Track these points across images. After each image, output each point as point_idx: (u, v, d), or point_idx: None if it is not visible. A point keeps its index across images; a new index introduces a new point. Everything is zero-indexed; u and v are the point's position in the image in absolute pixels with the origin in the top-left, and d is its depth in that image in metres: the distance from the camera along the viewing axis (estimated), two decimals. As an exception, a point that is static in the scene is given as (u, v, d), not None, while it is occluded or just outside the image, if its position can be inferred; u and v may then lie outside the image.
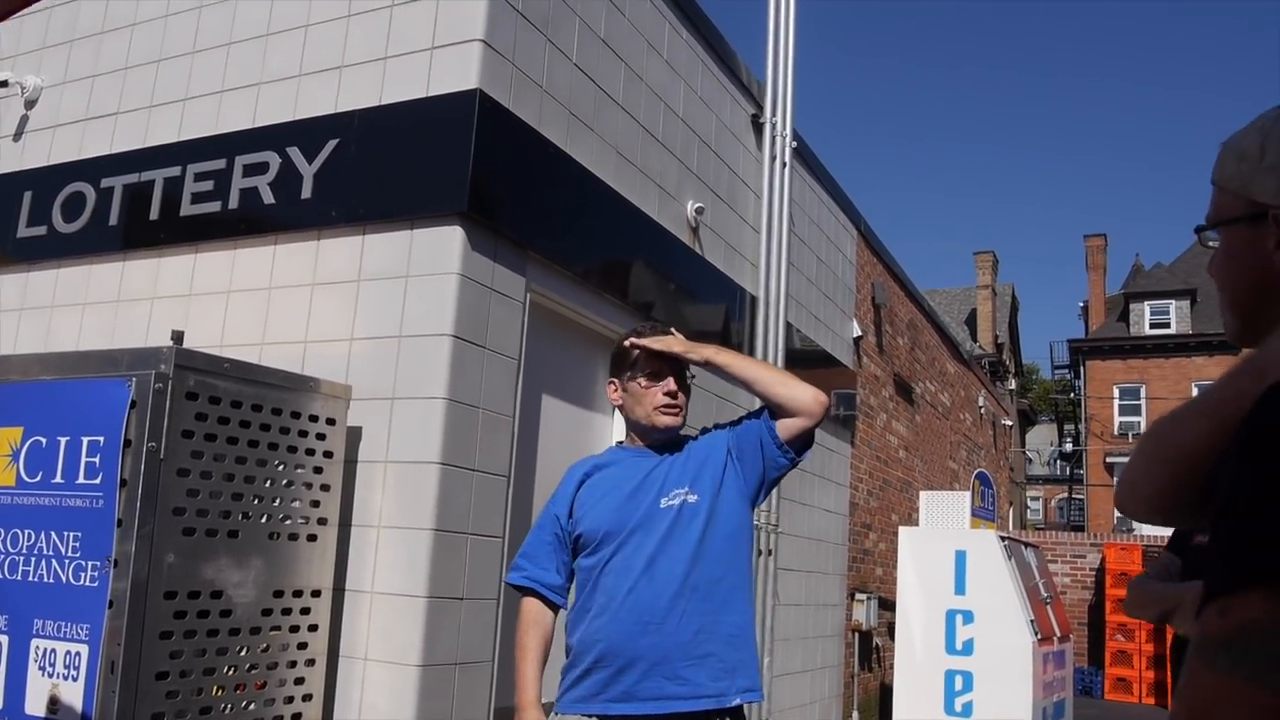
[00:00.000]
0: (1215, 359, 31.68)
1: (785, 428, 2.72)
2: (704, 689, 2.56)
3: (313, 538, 3.85)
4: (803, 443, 2.78)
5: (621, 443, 2.95)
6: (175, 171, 4.88)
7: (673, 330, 2.86)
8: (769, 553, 7.10)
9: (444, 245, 4.17)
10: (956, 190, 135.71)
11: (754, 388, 2.78)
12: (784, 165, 7.43)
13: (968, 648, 9.10)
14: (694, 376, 2.88)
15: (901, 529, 9.77)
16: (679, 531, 2.63)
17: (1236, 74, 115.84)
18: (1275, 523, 0.93)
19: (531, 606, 2.74)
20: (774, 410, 2.75)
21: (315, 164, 4.50)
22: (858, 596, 9.68)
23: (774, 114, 7.38)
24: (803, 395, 2.71)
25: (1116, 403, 35.31)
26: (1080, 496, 38.03)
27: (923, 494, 10.14)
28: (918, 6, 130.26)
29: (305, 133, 4.57)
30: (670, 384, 2.76)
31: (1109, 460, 35.04)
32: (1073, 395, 40.74)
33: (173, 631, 3.31)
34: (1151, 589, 3.10)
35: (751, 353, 6.97)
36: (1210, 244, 1.28)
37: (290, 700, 3.72)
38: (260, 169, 4.63)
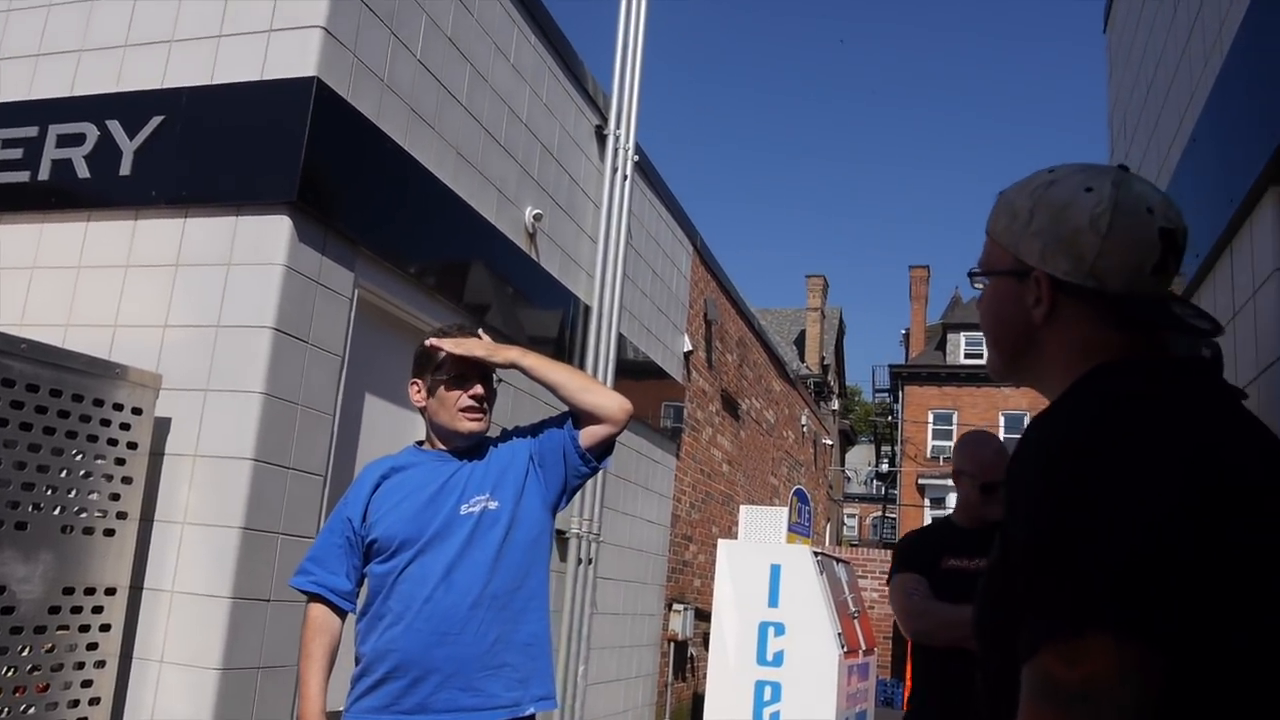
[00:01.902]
0: (1021, 390, 33.57)
1: (588, 435, 2.70)
2: (498, 699, 2.52)
3: (110, 532, 3.65)
4: (604, 450, 2.76)
5: (420, 443, 2.83)
6: (-21, 136, 4.57)
7: (480, 333, 2.79)
8: (589, 561, 7.13)
9: (270, 234, 4.04)
10: (792, 214, 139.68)
11: (559, 392, 2.72)
12: (625, 178, 7.50)
13: (778, 659, 9.34)
14: (500, 380, 2.83)
15: (720, 542, 9.96)
16: (479, 539, 2.58)
17: (1057, 118, 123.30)
18: (1096, 562, 0.99)
19: (318, 613, 2.64)
20: (578, 417, 2.72)
21: (137, 140, 4.30)
22: (675, 607, 9.82)
23: (618, 126, 7.45)
24: (607, 403, 2.70)
25: (931, 427, 37.04)
26: (894, 515, 39.62)
27: (743, 508, 10.37)
28: (759, 38, 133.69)
29: (128, 106, 4.36)
30: (476, 388, 2.69)
31: (920, 481, 36.69)
32: (891, 418, 42.42)
33: (-54, 628, 3.08)
34: (955, 613, 3.23)
35: (581, 362, 7.00)
36: (978, 286, 1.39)
37: (75, 704, 3.51)
38: (76, 140, 4.39)
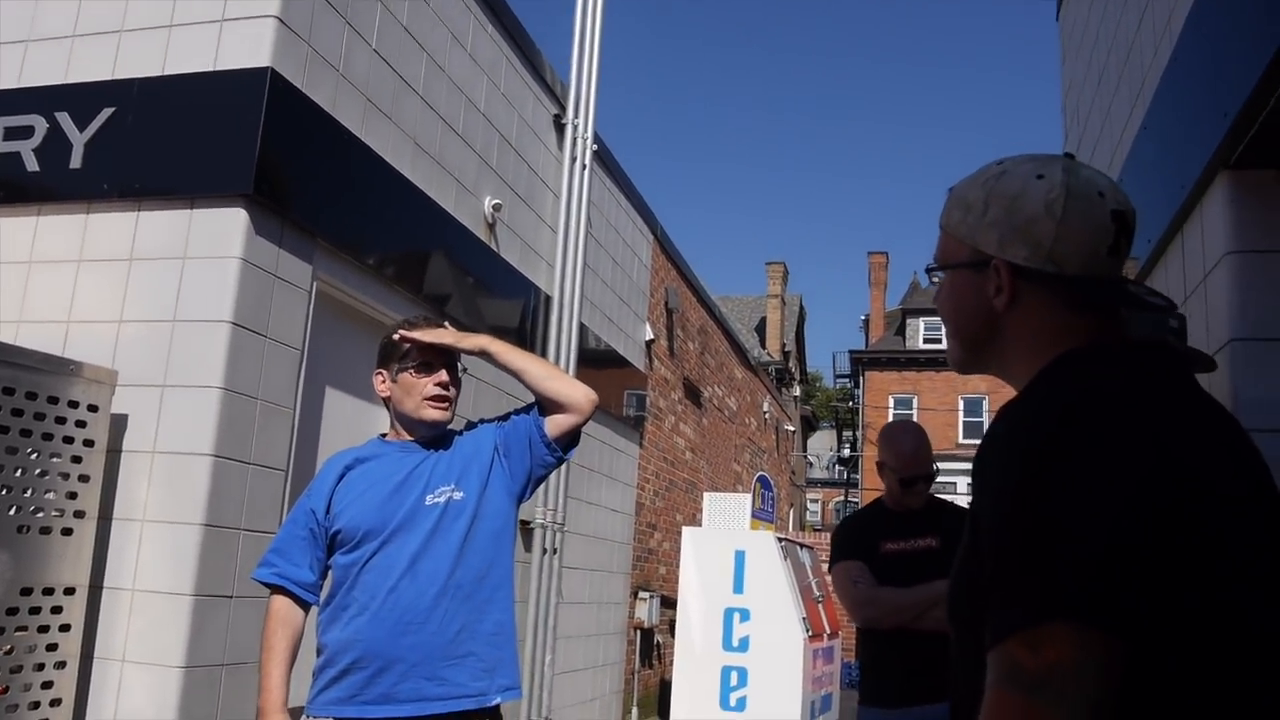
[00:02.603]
0: (970, 374, 33.95)
1: (554, 424, 2.71)
2: (464, 689, 2.53)
3: (68, 531, 3.60)
4: (570, 440, 2.77)
5: (385, 435, 2.82)
6: (-76, 130, 4.47)
7: (445, 323, 2.80)
8: (554, 551, 7.14)
9: (226, 227, 4.00)
10: (753, 203, 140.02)
11: (524, 379, 2.73)
12: (584, 167, 7.49)
13: (743, 644, 9.40)
14: (465, 370, 2.82)
15: (685, 529, 9.99)
16: (444, 529, 2.58)
17: (1012, 108, 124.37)
18: (1060, 551, 1.02)
19: (281, 605, 2.63)
20: (544, 406, 2.73)
21: (87, 132, 4.22)
22: (640, 595, 9.85)
23: (576, 115, 7.43)
24: (573, 392, 2.72)
25: (891, 412, 37.29)
26: (856, 500, 39.91)
27: (706, 495, 10.41)
28: (718, 28, 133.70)
29: (78, 98, 4.28)
30: (442, 375, 2.70)
31: (882, 466, 36.88)
32: (852, 404, 42.71)
33: (-101, 632, 3.03)
34: (901, 596, 3.32)
35: (544, 352, 6.99)
36: (935, 280, 1.41)
37: (36, 706, 3.47)
38: (24, 133, 4.30)
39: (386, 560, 2.55)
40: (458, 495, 2.62)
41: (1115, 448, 1.06)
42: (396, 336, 2.72)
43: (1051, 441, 1.07)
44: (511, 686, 2.62)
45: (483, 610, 2.59)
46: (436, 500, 2.60)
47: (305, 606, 2.65)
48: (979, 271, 1.29)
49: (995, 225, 1.27)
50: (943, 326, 1.42)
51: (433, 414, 2.68)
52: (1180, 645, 1.03)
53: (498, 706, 2.60)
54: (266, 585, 2.67)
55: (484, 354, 2.75)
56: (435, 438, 2.73)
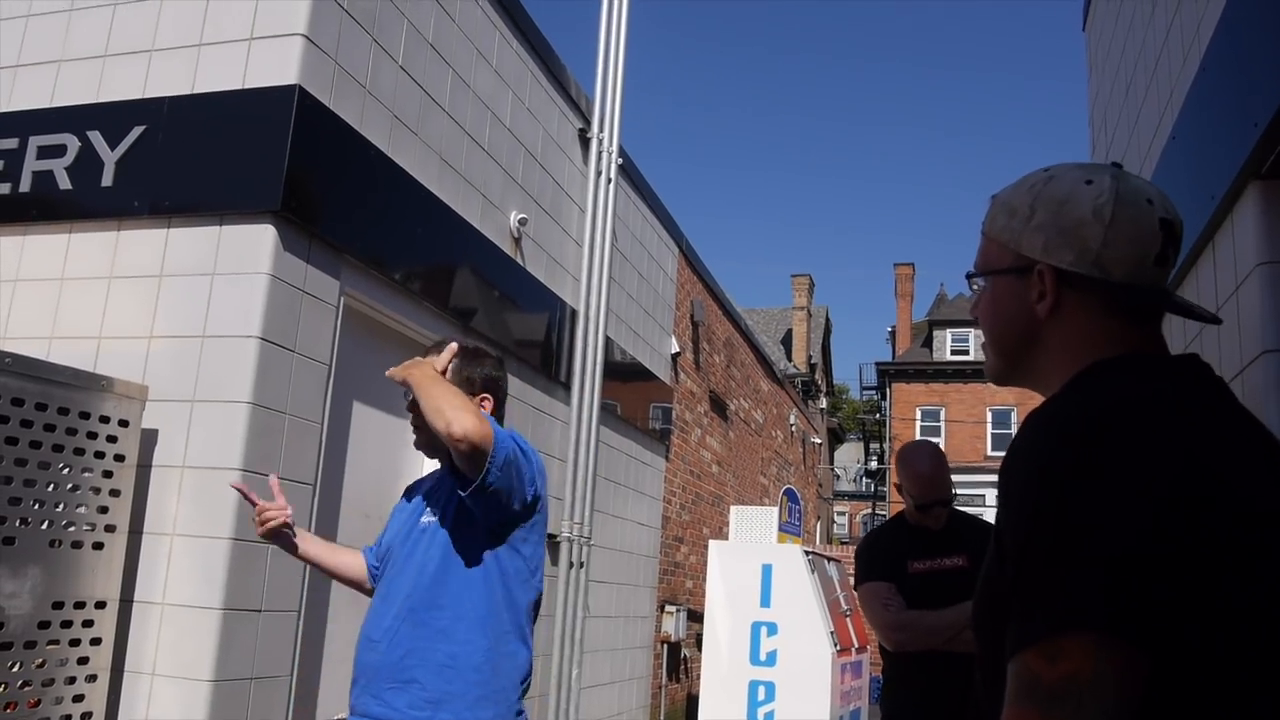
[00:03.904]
0: (1007, 386, 33.70)
1: (459, 459, 2.46)
2: (400, 715, 2.46)
3: (99, 546, 3.63)
4: (472, 470, 2.43)
5: None
6: (-40, 149, 4.54)
7: (452, 345, 2.76)
8: (580, 564, 7.13)
9: (254, 243, 4.03)
10: (778, 215, 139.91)
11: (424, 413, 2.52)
12: (609, 181, 7.50)
13: (771, 659, 9.35)
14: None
15: (712, 542, 9.96)
16: (416, 552, 2.62)
17: (1038, 115, 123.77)
18: (1081, 560, 1.00)
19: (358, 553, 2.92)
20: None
21: (119, 150, 4.28)
22: (667, 608, 9.83)
23: (601, 130, 7.45)
24: (440, 426, 2.39)
25: (918, 424, 37.09)
26: (884, 512, 39.69)
27: (733, 508, 10.38)
28: (743, 40, 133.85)
29: (109, 116, 4.34)
30: (412, 411, 2.71)
31: (909, 478, 36.60)
32: (879, 415, 42.50)
33: (-66, 645, 3.06)
34: (933, 619, 3.27)
35: (569, 366, 7.00)
36: (975, 288, 1.38)
37: (68, 718, 3.50)
38: (57, 151, 4.36)
39: (385, 577, 2.71)
40: (431, 519, 2.65)
41: (1143, 457, 1.03)
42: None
43: (1077, 450, 1.06)
44: None
45: (437, 639, 2.50)
46: (426, 521, 2.67)
47: (371, 579, 2.85)
48: (1022, 277, 1.27)
49: (1041, 229, 1.25)
50: (978, 337, 1.40)
51: (417, 444, 2.77)
52: (1207, 659, 1.00)
53: None
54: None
55: (405, 385, 2.60)
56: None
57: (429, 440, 2.64)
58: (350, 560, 2.90)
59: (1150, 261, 1.22)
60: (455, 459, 2.46)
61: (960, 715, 2.98)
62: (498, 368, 2.83)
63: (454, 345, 2.75)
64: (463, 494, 2.47)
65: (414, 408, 2.64)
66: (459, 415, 2.37)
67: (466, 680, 2.48)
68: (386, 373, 2.71)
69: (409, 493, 2.87)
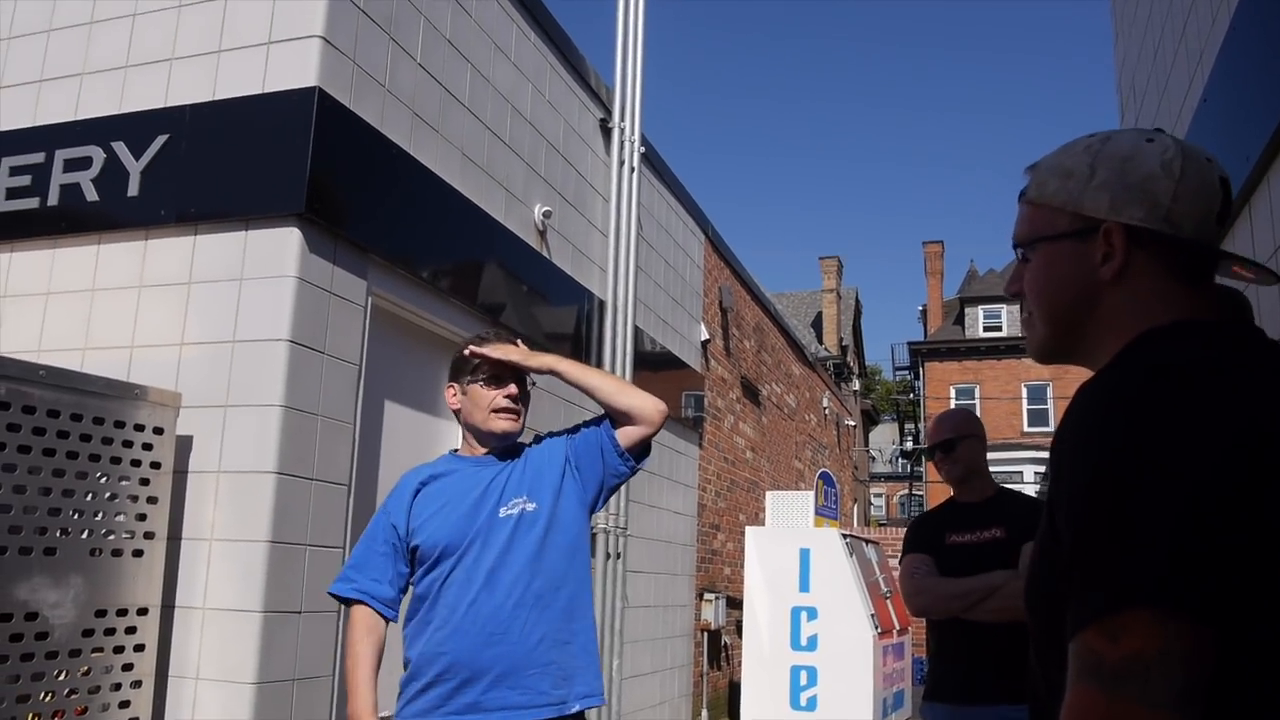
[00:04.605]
0: (1052, 364, 33.40)
1: (625, 435, 2.76)
2: (546, 697, 2.56)
3: (139, 553, 3.66)
4: (642, 450, 2.82)
5: (456, 450, 2.89)
6: (-12, 165, 4.58)
7: (517, 341, 2.87)
8: (617, 556, 7.13)
9: (280, 247, 4.04)
10: (804, 197, 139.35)
11: (595, 396, 2.79)
12: (632, 170, 7.47)
13: (812, 643, 9.32)
14: (534, 384, 2.88)
15: (748, 529, 9.94)
16: (518, 541, 2.62)
17: (1065, 94, 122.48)
18: (1141, 534, 0.96)
19: (364, 614, 2.66)
20: (615, 419, 2.78)
21: (143, 160, 4.30)
22: (706, 596, 9.82)
23: (622, 119, 7.42)
24: (643, 404, 2.75)
25: (953, 403, 36.82)
26: (920, 493, 39.53)
27: (769, 494, 10.35)
28: (763, 23, 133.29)
29: (132, 127, 4.36)
30: (511, 388, 2.76)
31: (946, 458, 36.37)
32: (913, 395, 42.26)
33: (-19, 657, 3.10)
34: (952, 585, 3.32)
35: (599, 357, 6.99)
36: (1024, 258, 1.32)
37: (114, 724, 3.53)
38: (83, 164, 4.40)
39: (465, 574, 2.61)
40: (530, 506, 2.66)
41: (1203, 424, 0.99)
42: (467, 352, 2.79)
43: (1131, 419, 1.02)
44: (591, 694, 2.66)
45: (561, 619, 2.62)
46: (510, 512, 2.65)
47: (385, 620, 2.68)
48: (1084, 240, 1.23)
49: (1106, 187, 1.21)
50: (1012, 312, 1.35)
51: (501, 425, 2.74)
52: (1277, 634, 0.96)
53: (581, 713, 2.63)
54: (345, 600, 2.71)
55: (553, 373, 2.81)
56: (507, 450, 2.80)
57: (519, 422, 2.79)
58: (380, 646, 2.69)
59: (1213, 219, 1.20)
60: (628, 434, 2.75)
61: (1009, 694, 2.97)
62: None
63: (518, 343, 2.86)
64: (635, 465, 2.80)
65: (520, 391, 2.79)
66: (650, 397, 2.78)
67: (588, 652, 2.69)
68: (514, 358, 2.75)
69: (433, 495, 2.72)
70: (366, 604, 2.66)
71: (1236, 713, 0.96)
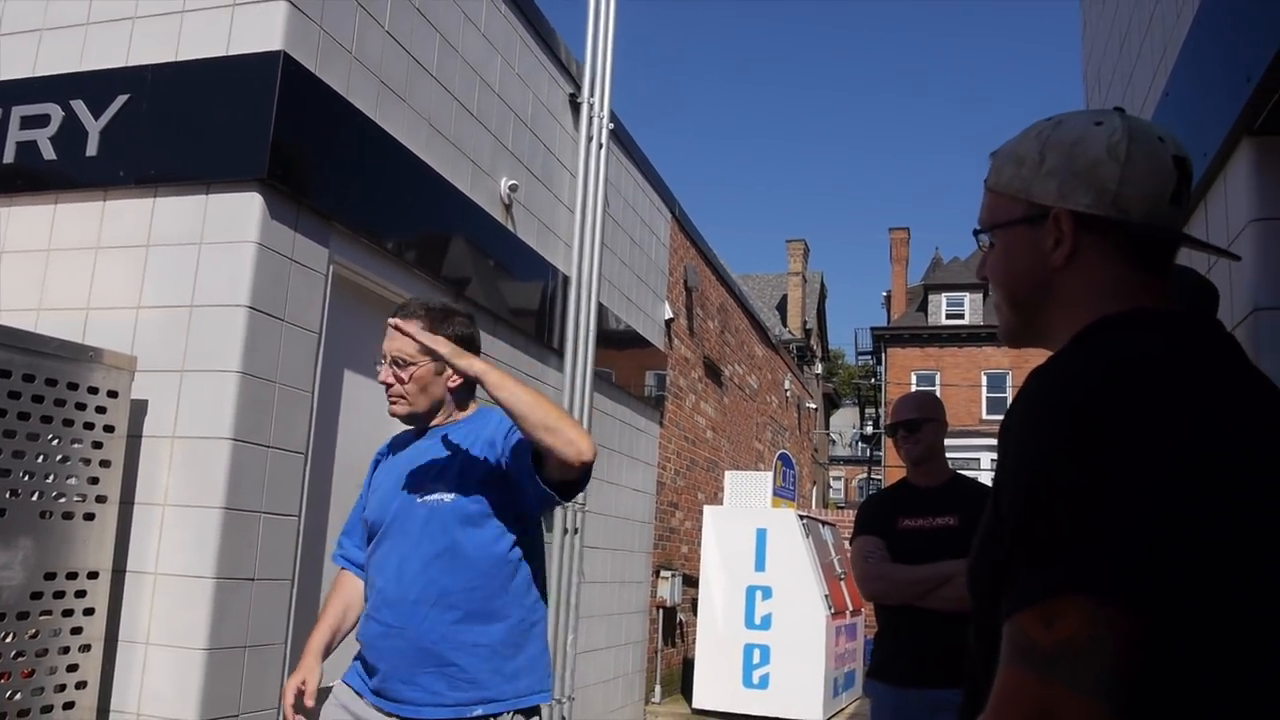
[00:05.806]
0: (1003, 349, 33.73)
1: (550, 471, 2.41)
2: (441, 698, 2.43)
3: (90, 516, 3.63)
4: (569, 491, 2.51)
5: None
6: (-58, 120, 4.49)
7: (470, 315, 2.72)
8: (575, 531, 7.15)
9: (241, 212, 4.00)
10: (772, 181, 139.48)
11: (519, 424, 2.38)
12: (600, 146, 7.45)
13: (766, 622, 9.41)
14: (443, 373, 2.63)
15: (706, 508, 10.00)
16: (429, 534, 2.49)
17: (1033, 82, 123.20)
18: (1082, 523, 0.97)
19: (345, 577, 2.79)
20: (538, 453, 2.41)
21: (103, 120, 4.23)
22: (663, 573, 9.87)
23: (591, 94, 7.39)
24: (565, 450, 2.32)
25: (913, 389, 37.14)
26: (879, 477, 39.84)
27: (728, 474, 10.42)
28: (734, 5, 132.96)
29: (92, 85, 4.29)
30: (385, 372, 2.59)
31: (905, 443, 36.73)
32: (874, 380, 42.55)
33: (-74, 617, 3.06)
34: (907, 573, 3.33)
35: (563, 333, 6.98)
36: (983, 246, 1.34)
37: (62, 688, 3.50)
38: (40, 121, 4.32)
39: (382, 558, 2.56)
40: (448, 498, 2.50)
41: (1149, 416, 1.00)
42: (389, 321, 2.55)
43: (1081, 405, 1.02)
44: (494, 699, 2.45)
45: (470, 621, 2.46)
46: (426, 501, 2.52)
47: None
48: (1035, 226, 1.23)
49: (1054, 174, 1.22)
50: (973, 301, 1.36)
51: (391, 409, 2.63)
52: (1209, 625, 0.97)
53: (485, 718, 2.47)
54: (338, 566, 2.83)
55: (478, 380, 2.47)
56: (457, 426, 2.63)
57: (412, 411, 2.62)
58: (351, 601, 2.71)
59: (1166, 200, 1.19)
60: (551, 471, 2.40)
61: (950, 679, 3.00)
62: (469, 324, 2.67)
63: (415, 324, 2.52)
64: (558, 501, 2.52)
65: (398, 377, 2.58)
66: (581, 439, 2.35)
67: (499, 658, 2.49)
68: (450, 357, 2.44)
69: (384, 468, 2.71)
70: (348, 570, 2.77)
71: (1170, 704, 0.98)
